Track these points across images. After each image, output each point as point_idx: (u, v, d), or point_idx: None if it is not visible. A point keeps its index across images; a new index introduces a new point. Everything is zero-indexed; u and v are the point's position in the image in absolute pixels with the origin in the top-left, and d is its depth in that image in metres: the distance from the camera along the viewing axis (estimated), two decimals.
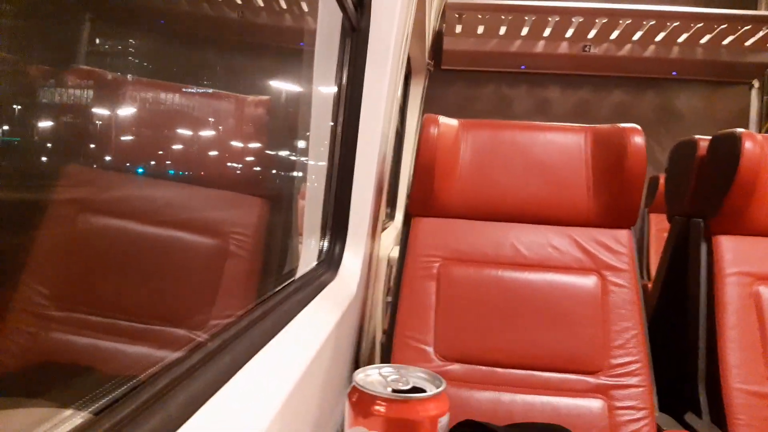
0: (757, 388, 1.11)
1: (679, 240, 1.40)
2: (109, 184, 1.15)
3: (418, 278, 1.21)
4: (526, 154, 1.25)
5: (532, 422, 1.04)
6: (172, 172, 1.17)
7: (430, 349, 1.15)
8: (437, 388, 0.32)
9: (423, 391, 0.32)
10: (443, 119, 1.25)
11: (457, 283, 1.19)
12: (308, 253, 1.24)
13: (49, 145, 0.97)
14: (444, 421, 0.31)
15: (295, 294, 0.93)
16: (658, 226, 3.00)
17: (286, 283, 0.97)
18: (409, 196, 1.29)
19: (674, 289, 1.39)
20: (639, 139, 1.18)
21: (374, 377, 0.34)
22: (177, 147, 1.17)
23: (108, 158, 1.16)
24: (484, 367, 1.13)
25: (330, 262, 1.21)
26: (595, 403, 1.09)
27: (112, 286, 1.08)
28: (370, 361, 1.62)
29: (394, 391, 0.32)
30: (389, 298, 1.76)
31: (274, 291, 0.89)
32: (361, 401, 0.31)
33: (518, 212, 1.25)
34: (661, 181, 2.93)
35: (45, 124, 0.93)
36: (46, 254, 1.09)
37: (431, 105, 3.18)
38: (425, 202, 1.26)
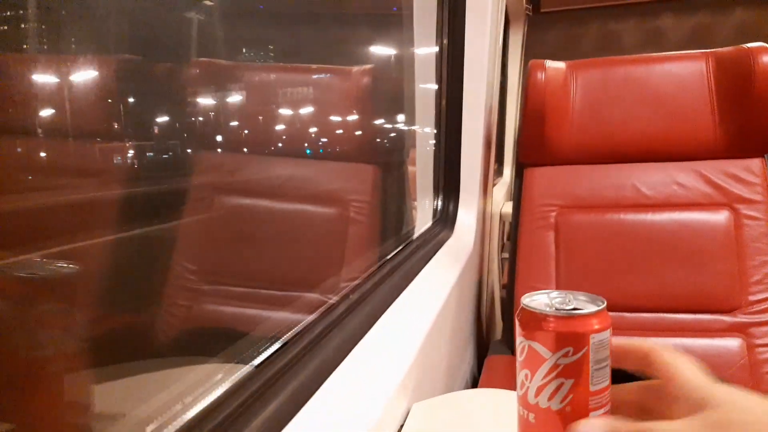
0: None
1: None
2: (238, 166, 1.25)
3: (535, 229, 1.21)
4: (643, 89, 1.19)
5: None
6: (285, 148, 1.25)
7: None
8: (597, 307, 0.35)
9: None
10: (550, 63, 1.23)
11: (577, 230, 1.18)
12: (423, 213, 1.28)
13: (181, 135, 1.08)
14: (597, 337, 0.34)
15: (415, 253, 0.97)
16: None
17: (406, 244, 1.01)
18: (519, 147, 1.28)
19: None
20: (767, 59, 1.09)
21: (541, 299, 0.38)
22: (293, 126, 1.25)
23: (231, 142, 1.25)
24: (610, 313, 1.12)
25: (446, 220, 1.24)
26: (732, 342, 1.04)
27: (251, 259, 1.18)
28: (491, 315, 1.65)
29: (556, 309, 0.36)
30: (504, 254, 1.76)
31: (395, 252, 0.93)
32: (525, 318, 0.36)
33: (638, 151, 1.20)
34: None
35: (175, 118, 1.03)
36: (192, 235, 1.21)
37: (533, 51, 3.05)
38: (537, 150, 1.24)
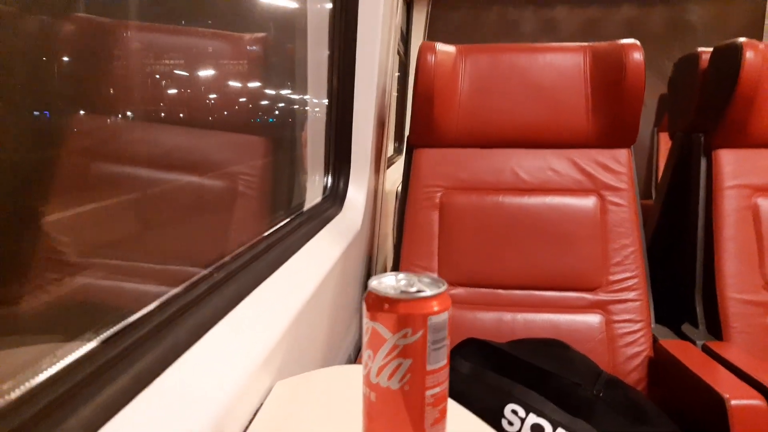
0: (752, 297, 1.15)
1: (680, 156, 1.41)
2: (118, 132, 1.18)
3: (421, 209, 1.24)
4: (525, 77, 1.25)
5: (532, 338, 1.09)
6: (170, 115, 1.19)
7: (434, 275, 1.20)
8: (438, 289, 0.37)
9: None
10: (440, 46, 1.25)
11: (459, 210, 1.22)
12: (313, 189, 1.27)
13: (53, 94, 0.99)
14: (435, 319, 0.36)
15: (299, 228, 0.96)
16: (668, 145, 2.96)
17: (289, 219, 1.00)
18: (410, 128, 1.30)
19: (675, 205, 1.41)
20: (638, 55, 1.17)
21: (387, 282, 0.40)
22: (179, 92, 1.18)
23: (113, 107, 1.18)
24: (486, 290, 1.18)
25: (335, 197, 1.24)
26: (593, 318, 1.14)
27: (129, 232, 1.12)
28: None
29: (401, 292, 0.38)
30: None
31: (275, 228, 0.92)
32: (371, 300, 0.37)
33: (518, 137, 1.26)
34: None
35: (48, 75, 0.95)
36: (65, 203, 1.13)
37: (435, 33, 3.10)
38: (426, 132, 1.27)
